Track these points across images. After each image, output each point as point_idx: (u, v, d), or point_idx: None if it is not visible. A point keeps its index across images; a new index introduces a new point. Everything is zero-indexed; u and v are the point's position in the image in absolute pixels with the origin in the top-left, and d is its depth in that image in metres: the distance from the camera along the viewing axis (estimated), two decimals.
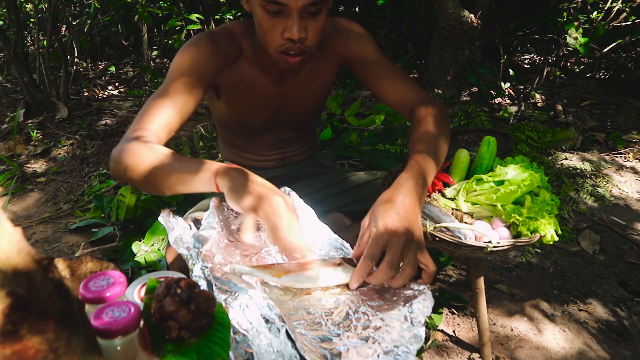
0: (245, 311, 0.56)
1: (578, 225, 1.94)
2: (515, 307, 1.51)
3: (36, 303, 0.29)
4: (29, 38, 5.19)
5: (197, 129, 2.78)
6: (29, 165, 2.66)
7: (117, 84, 4.25)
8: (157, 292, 0.46)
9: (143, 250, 1.73)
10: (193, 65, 0.95)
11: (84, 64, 4.46)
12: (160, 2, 3.54)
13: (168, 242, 0.78)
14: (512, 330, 1.42)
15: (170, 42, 3.91)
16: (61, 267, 0.50)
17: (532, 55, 4.11)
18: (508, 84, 3.19)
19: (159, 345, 0.45)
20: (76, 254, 1.82)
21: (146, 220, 1.88)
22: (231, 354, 0.50)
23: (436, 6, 3.25)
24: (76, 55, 4.09)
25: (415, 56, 3.95)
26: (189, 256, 0.66)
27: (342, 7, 4.16)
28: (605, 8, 3.08)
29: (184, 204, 1.91)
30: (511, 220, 0.91)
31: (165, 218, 0.75)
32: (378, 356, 0.55)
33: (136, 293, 0.56)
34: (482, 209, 0.98)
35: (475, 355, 1.31)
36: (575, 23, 2.98)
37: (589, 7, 3.24)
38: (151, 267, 1.65)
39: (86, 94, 3.88)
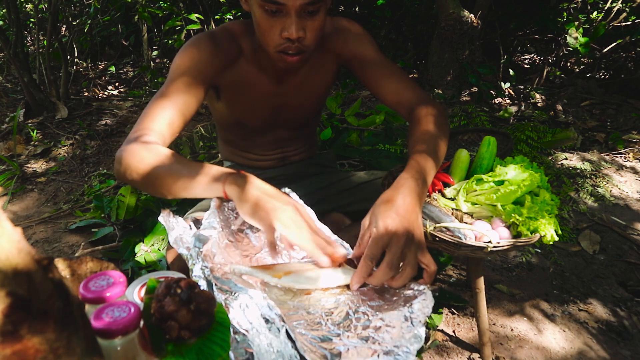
0: (245, 311, 0.56)
1: (578, 225, 1.94)
2: (515, 307, 1.51)
3: (36, 303, 0.29)
4: (29, 38, 5.19)
5: (197, 129, 2.78)
6: (29, 165, 2.66)
7: (117, 84, 4.25)
8: (157, 292, 0.46)
9: (143, 250, 1.73)
10: (194, 66, 0.94)
11: (84, 64, 4.46)
12: (160, 2, 3.54)
13: (169, 242, 0.78)
14: (512, 330, 1.42)
15: (170, 42, 3.91)
16: (61, 267, 0.50)
17: (532, 55, 4.11)
18: (508, 84, 3.19)
19: (159, 345, 0.45)
20: (76, 254, 1.82)
21: (146, 220, 1.89)
22: (231, 354, 0.50)
23: (436, 6, 3.25)
24: (76, 55, 4.10)
25: (415, 56, 3.95)
26: (189, 256, 0.66)
27: (342, 7, 4.16)
28: (605, 8, 3.08)
29: (184, 204, 1.91)
30: (511, 220, 0.91)
31: (165, 218, 0.75)
32: (378, 356, 0.55)
33: (136, 293, 0.56)
34: (482, 209, 0.98)
35: (475, 355, 1.31)
36: (575, 23, 2.98)
37: (589, 7, 3.24)
38: (151, 267, 1.65)
39: (86, 94, 3.88)
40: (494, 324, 1.44)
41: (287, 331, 0.55)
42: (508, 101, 3.26)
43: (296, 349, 0.54)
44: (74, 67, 4.03)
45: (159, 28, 4.39)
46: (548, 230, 0.89)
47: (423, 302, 0.65)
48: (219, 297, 0.58)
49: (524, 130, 2.33)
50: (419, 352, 1.31)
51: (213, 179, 0.75)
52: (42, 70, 3.49)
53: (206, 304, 0.46)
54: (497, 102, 3.25)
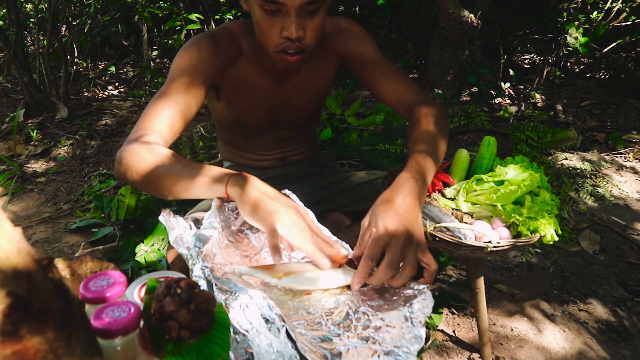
0: (246, 311, 0.56)
1: (578, 225, 1.94)
2: (515, 307, 1.51)
3: (36, 303, 0.29)
4: (29, 38, 5.19)
5: (197, 129, 2.78)
6: (29, 165, 2.66)
7: (117, 84, 4.25)
8: (157, 292, 0.46)
9: (143, 250, 1.73)
10: (194, 66, 0.94)
11: (84, 64, 4.46)
12: (160, 2, 3.54)
13: (169, 242, 0.78)
14: (512, 330, 1.42)
15: (170, 42, 3.91)
16: (61, 267, 0.49)
17: (532, 55, 4.11)
18: (508, 84, 3.19)
19: (159, 345, 0.45)
20: (76, 254, 1.82)
21: (146, 220, 1.89)
22: (231, 354, 0.50)
23: (436, 6, 3.25)
24: (76, 55, 4.10)
25: (415, 56, 3.95)
26: (189, 256, 0.66)
27: (342, 7, 4.16)
28: (605, 8, 3.08)
29: (184, 204, 1.90)
30: (511, 220, 0.91)
31: (165, 217, 0.75)
32: (379, 356, 0.55)
33: (136, 293, 0.56)
34: (482, 209, 0.98)
35: (475, 355, 1.31)
36: (575, 23, 2.98)
37: (589, 7, 3.24)
38: (151, 267, 1.65)
39: (86, 94, 3.88)
40: (494, 324, 1.44)
41: (287, 331, 0.55)
42: (508, 101, 3.26)
43: (296, 349, 0.54)
44: (74, 67, 4.03)
45: (159, 28, 4.39)
46: (548, 230, 0.89)
47: (423, 302, 0.65)
48: (219, 297, 0.58)
49: (524, 130, 2.33)
50: (419, 352, 1.31)
51: (214, 180, 0.75)
52: (42, 70, 3.49)
53: (206, 304, 0.46)
54: (497, 102, 3.25)
